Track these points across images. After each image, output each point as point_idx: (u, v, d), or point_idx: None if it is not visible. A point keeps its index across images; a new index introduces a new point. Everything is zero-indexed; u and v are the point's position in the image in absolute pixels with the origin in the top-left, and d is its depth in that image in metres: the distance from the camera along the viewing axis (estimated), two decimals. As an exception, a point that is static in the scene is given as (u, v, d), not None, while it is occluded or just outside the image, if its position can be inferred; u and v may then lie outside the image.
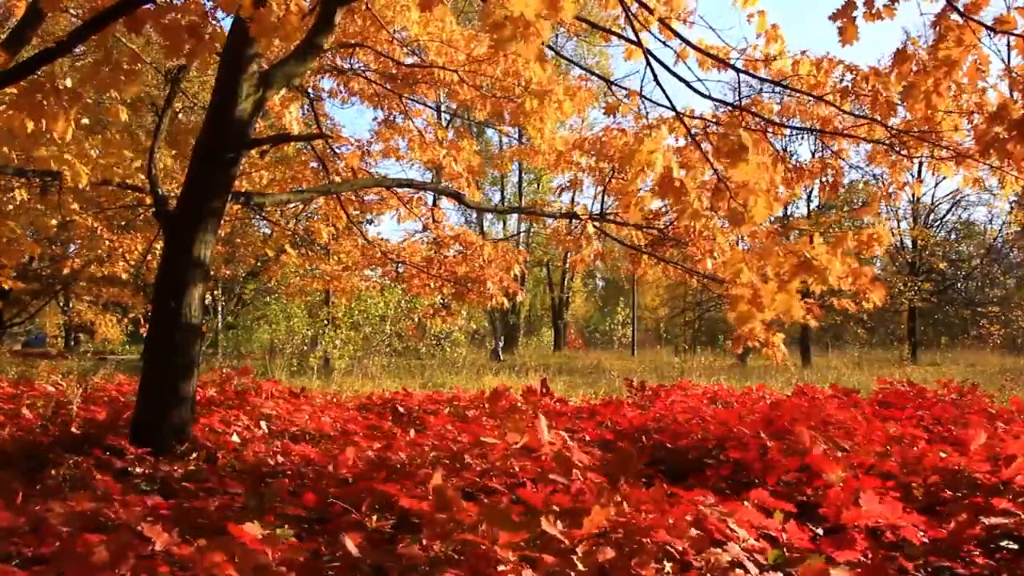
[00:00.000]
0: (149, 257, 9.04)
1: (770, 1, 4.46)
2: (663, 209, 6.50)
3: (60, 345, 30.03)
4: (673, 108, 4.21)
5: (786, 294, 3.83)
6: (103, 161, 5.72)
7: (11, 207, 6.87)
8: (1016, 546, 2.96)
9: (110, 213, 8.76)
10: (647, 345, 37.98)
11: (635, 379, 8.73)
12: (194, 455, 4.39)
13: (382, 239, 8.57)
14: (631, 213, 4.14)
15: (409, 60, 7.15)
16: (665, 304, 39.94)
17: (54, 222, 7.67)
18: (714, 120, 4.60)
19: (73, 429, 5.07)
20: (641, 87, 4.71)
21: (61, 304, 26.51)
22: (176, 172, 7.90)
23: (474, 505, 2.70)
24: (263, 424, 5.27)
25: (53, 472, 3.98)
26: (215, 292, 21.98)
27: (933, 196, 29.34)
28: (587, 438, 4.85)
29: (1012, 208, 24.39)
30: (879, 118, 4.66)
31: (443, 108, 17.22)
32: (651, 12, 4.16)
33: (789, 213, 25.95)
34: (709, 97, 4.27)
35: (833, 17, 3.74)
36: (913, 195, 24.18)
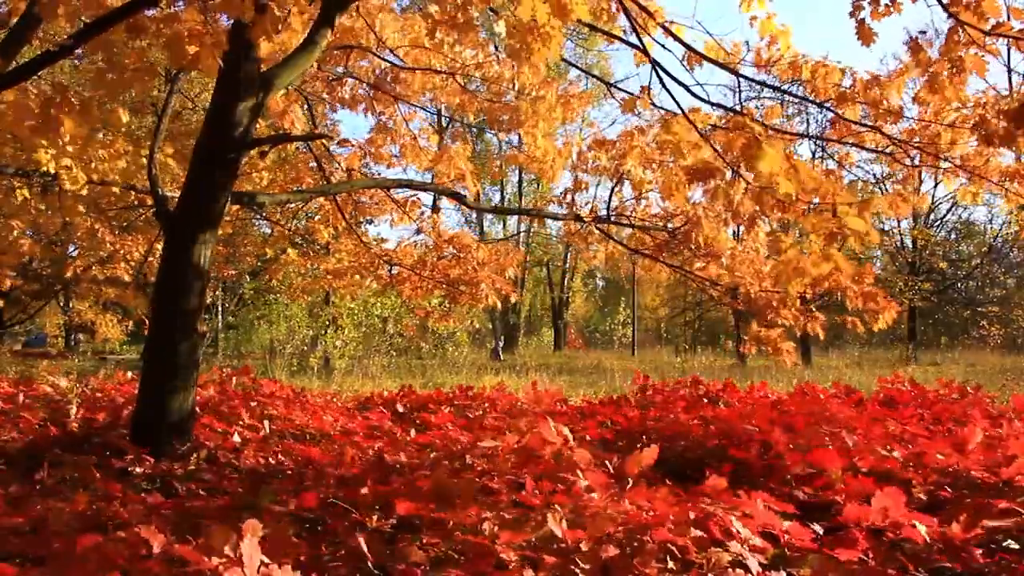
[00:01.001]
0: (151, 258, 9.03)
1: (770, 3, 4.47)
2: (673, 209, 6.46)
3: (60, 345, 30.03)
4: (681, 110, 4.31)
5: (827, 260, 3.92)
6: (104, 166, 5.71)
7: (6, 209, 6.85)
8: (1017, 546, 2.96)
9: (111, 214, 8.75)
10: (647, 345, 37.94)
11: (641, 376, 8.57)
12: (194, 455, 4.38)
13: (381, 238, 8.57)
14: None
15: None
16: (665, 304, 39.94)
17: (58, 221, 7.66)
18: (724, 123, 4.63)
19: (73, 429, 5.07)
20: (649, 88, 4.73)
21: (61, 304, 26.50)
22: (176, 172, 7.89)
23: (475, 506, 2.70)
24: (264, 424, 5.27)
25: (53, 472, 3.98)
26: (216, 292, 21.98)
27: (933, 196, 29.32)
28: (588, 437, 4.85)
29: (1013, 209, 24.34)
30: (879, 124, 4.68)
31: (442, 111, 17.20)
32: (652, 16, 4.19)
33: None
34: (710, 103, 4.35)
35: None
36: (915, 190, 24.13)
